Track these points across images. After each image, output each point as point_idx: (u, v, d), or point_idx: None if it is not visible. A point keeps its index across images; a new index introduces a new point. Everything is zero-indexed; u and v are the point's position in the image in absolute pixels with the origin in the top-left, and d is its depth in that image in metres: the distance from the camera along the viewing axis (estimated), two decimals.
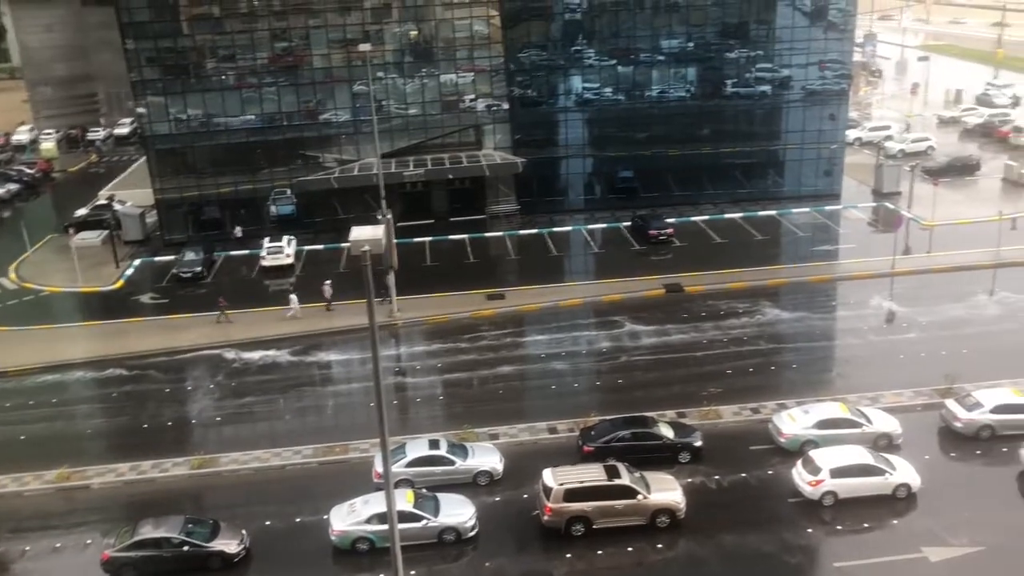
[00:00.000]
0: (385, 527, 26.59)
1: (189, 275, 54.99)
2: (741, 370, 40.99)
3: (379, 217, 44.23)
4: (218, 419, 39.41)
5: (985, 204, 60.73)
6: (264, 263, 56.43)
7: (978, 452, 33.72)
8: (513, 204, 64.87)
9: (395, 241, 47.56)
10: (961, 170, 68.98)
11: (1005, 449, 33.36)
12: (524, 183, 64.19)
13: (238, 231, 61.20)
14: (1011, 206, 58.97)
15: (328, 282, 49.62)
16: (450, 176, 62.46)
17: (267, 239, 57.98)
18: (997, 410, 34.23)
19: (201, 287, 54.26)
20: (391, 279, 47.68)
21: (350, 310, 47.55)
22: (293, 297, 49.10)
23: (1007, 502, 30.91)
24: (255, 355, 45.06)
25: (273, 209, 62.63)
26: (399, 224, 53.18)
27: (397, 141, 63.25)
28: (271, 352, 45.28)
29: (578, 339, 45.33)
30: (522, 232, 61.47)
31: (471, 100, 64.46)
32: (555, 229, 61.59)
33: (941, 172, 67.22)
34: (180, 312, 50.42)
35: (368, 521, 29.41)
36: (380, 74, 61.77)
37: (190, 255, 56.38)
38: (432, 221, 62.59)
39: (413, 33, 63.52)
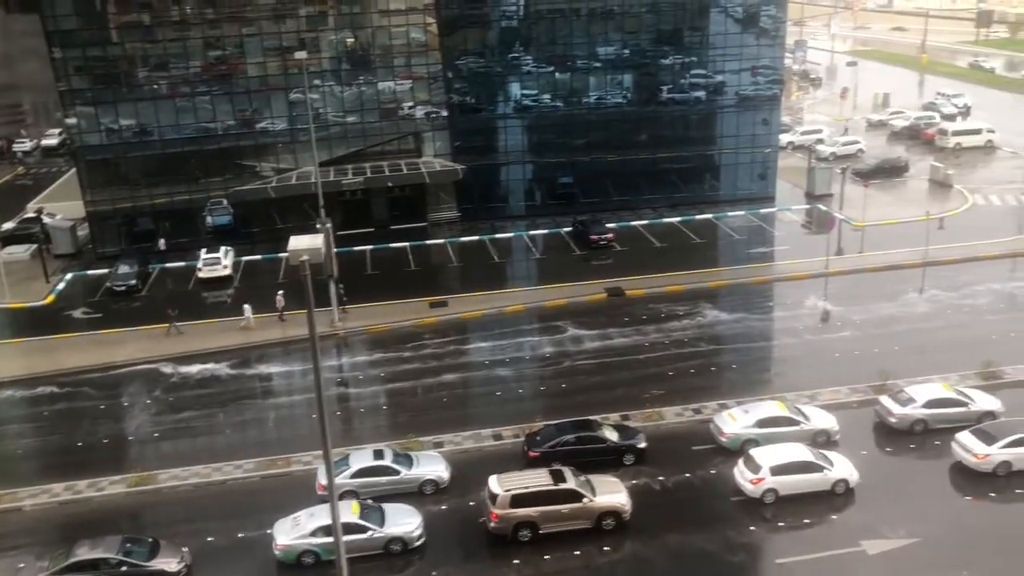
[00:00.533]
0: (330, 539, 26.30)
1: (123, 288, 53.70)
2: (683, 372, 41.53)
3: (318, 226, 43.79)
4: (156, 435, 38.53)
5: (913, 205, 62.55)
6: (201, 275, 55.41)
7: (912, 446, 34.66)
8: (454, 211, 64.80)
9: (335, 250, 47.12)
10: (890, 172, 70.99)
11: (938, 443, 34.35)
12: (465, 190, 64.18)
13: (162, 244, 59.86)
14: (938, 206, 60.90)
15: (281, 292, 48.89)
16: (390, 184, 62.13)
17: (204, 250, 56.93)
18: (929, 405, 35.24)
19: (136, 300, 53.05)
20: (333, 289, 47.21)
21: (303, 319, 46.89)
22: (247, 307, 48.31)
23: (940, 494, 31.84)
24: (193, 368, 44.18)
25: (209, 220, 61.52)
26: (339, 233, 52.67)
27: (336, 149, 62.70)
28: (210, 365, 44.44)
29: (522, 345, 45.44)
30: (464, 239, 61.44)
31: (410, 107, 64.24)
32: (497, 235, 61.70)
33: (871, 174, 69.13)
34: (115, 327, 49.19)
35: (313, 534, 29.03)
36: (317, 82, 61.20)
37: (124, 268, 55.06)
38: (372, 229, 62.15)
39: (350, 41, 63.09)
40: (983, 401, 35.83)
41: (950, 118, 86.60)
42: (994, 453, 32.01)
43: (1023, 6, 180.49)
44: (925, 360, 40.75)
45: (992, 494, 31.45)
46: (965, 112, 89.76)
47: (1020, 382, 38.93)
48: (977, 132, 79.09)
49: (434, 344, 45.84)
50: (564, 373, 42.20)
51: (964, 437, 33.09)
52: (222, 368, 44.21)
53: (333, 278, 46.24)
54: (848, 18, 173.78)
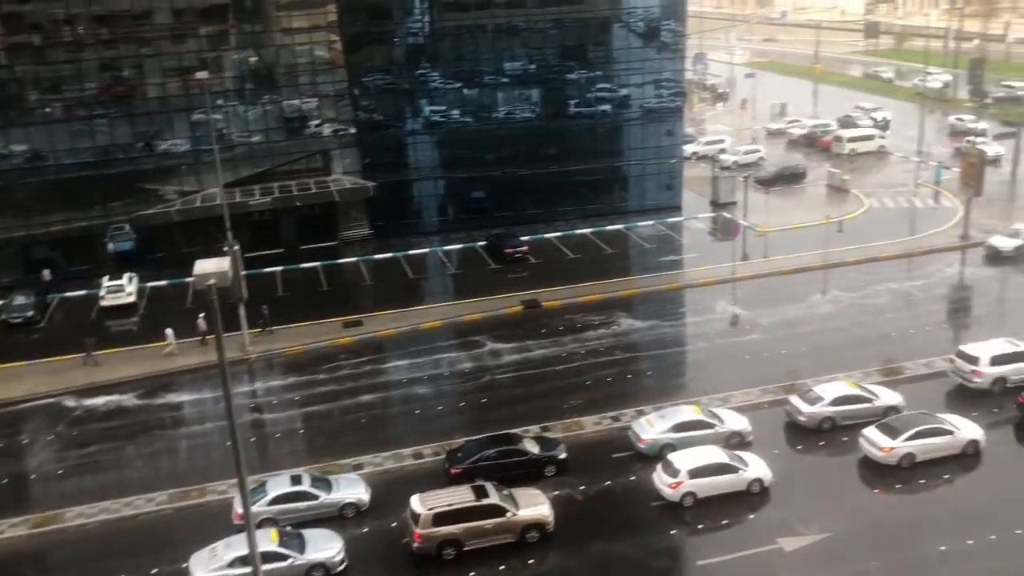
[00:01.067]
0: (249, 569, 25.57)
1: (20, 320, 51.41)
2: (600, 380, 41.98)
3: (225, 249, 42.79)
4: (60, 472, 36.89)
5: (813, 209, 64.78)
6: (104, 303, 53.46)
7: (821, 443, 35.76)
8: (366, 229, 64.24)
9: (243, 273, 46.10)
10: (789, 179, 73.43)
11: (845, 439, 35.52)
12: (376, 207, 63.71)
13: (46, 274, 57.33)
14: (836, 210, 63.22)
15: (203, 315, 47.41)
16: (298, 203, 61.23)
17: (106, 277, 54.96)
18: (836, 402, 36.45)
19: (35, 332, 50.85)
20: (243, 312, 46.13)
21: (227, 343, 45.53)
22: (169, 332, 46.77)
23: (850, 488, 32.90)
24: (99, 401, 42.53)
25: (111, 246, 59.46)
26: (247, 255, 51.59)
27: (241, 170, 61.50)
28: (115, 396, 42.85)
29: (440, 361, 45.22)
30: (377, 257, 60.92)
31: (316, 125, 63.52)
32: (410, 252, 61.37)
33: (771, 181, 71.42)
34: (12, 360, 46.95)
35: (231, 565, 28.20)
36: (220, 102, 60.01)
37: (20, 299, 52.68)
38: (282, 250, 61.06)
39: (253, 59, 62.08)
40: (886, 396, 37.23)
41: (879, 127, 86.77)
42: (898, 446, 33.27)
43: (908, 18, 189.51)
44: (830, 359, 42.16)
45: (898, 486, 32.68)
46: (884, 125, 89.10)
47: (919, 376, 40.61)
48: (870, 138, 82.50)
49: (350, 364, 45.23)
50: (484, 388, 42.16)
51: (870, 432, 34.31)
52: (130, 399, 42.69)
53: (243, 301, 45.20)
54: (746, 31, 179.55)
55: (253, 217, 60.35)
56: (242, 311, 45.98)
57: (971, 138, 73.76)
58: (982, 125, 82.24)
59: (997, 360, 38.39)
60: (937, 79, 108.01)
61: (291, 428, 39.95)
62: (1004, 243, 55.11)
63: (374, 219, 64.23)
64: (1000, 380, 38.27)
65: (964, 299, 50.48)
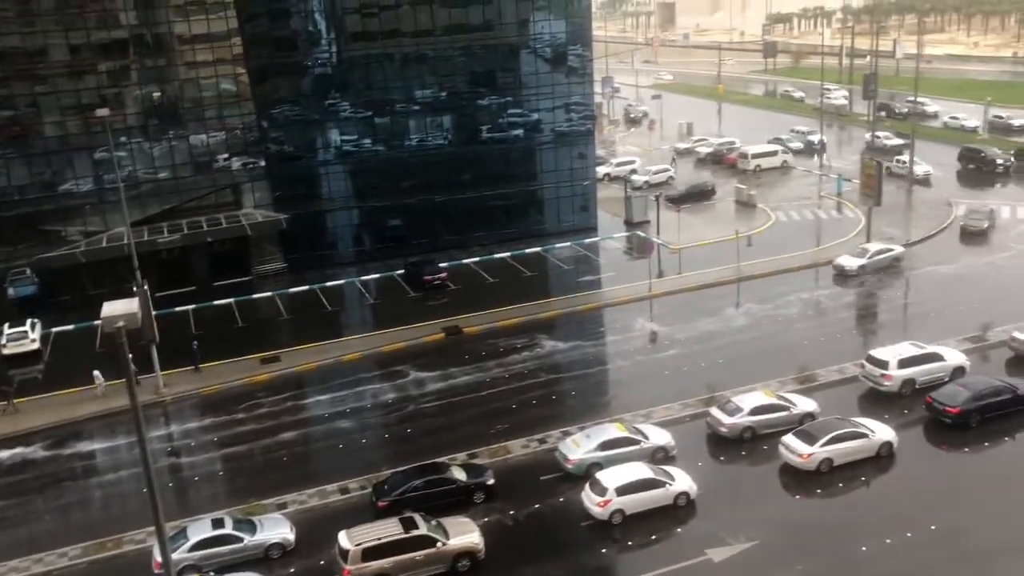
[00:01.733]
0: None
1: None
2: (525, 403, 42.02)
3: (134, 289, 41.50)
4: None
5: (723, 225, 66.48)
6: (5, 351, 51.13)
7: (743, 453, 36.47)
8: (280, 262, 63.21)
9: (154, 313, 44.76)
10: (699, 196, 75.25)
11: (765, 447, 36.31)
12: (290, 240, 62.79)
13: None
14: (745, 225, 64.97)
15: (97, 372, 45.58)
16: (209, 239, 59.89)
17: (7, 325, 52.61)
18: (754, 412, 37.25)
19: None
20: (155, 354, 44.73)
21: (150, 384, 44.02)
22: (97, 373, 44.89)
23: (773, 496, 33.61)
24: (3, 454, 40.54)
25: (11, 291, 57.08)
26: (157, 294, 50.17)
27: (148, 207, 59.92)
28: (21, 449, 40.91)
29: (362, 393, 44.60)
30: (292, 290, 59.92)
31: (225, 159, 62.38)
32: (327, 284, 60.55)
33: (682, 199, 73.08)
34: None
35: None
36: (123, 139, 58.41)
37: None
38: (194, 287, 59.53)
39: (156, 95, 60.73)
40: (802, 404, 38.24)
41: (816, 149, 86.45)
42: (816, 452, 34.16)
43: (803, 37, 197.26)
44: (747, 370, 43.14)
45: (818, 490, 33.51)
46: (821, 148, 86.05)
47: (832, 383, 41.88)
48: (773, 154, 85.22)
49: (269, 402, 44.24)
50: (408, 418, 41.73)
51: (788, 439, 35.15)
52: (37, 450, 40.82)
53: (154, 342, 43.85)
54: (651, 54, 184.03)
55: (162, 255, 58.77)
56: (154, 353, 44.62)
57: (899, 157, 76.45)
58: (896, 140, 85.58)
59: (904, 363, 39.87)
60: (837, 96, 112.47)
61: (211, 470, 38.78)
62: (850, 262, 55.76)
63: (288, 252, 63.27)
64: (908, 382, 39.73)
65: (870, 306, 52.35)
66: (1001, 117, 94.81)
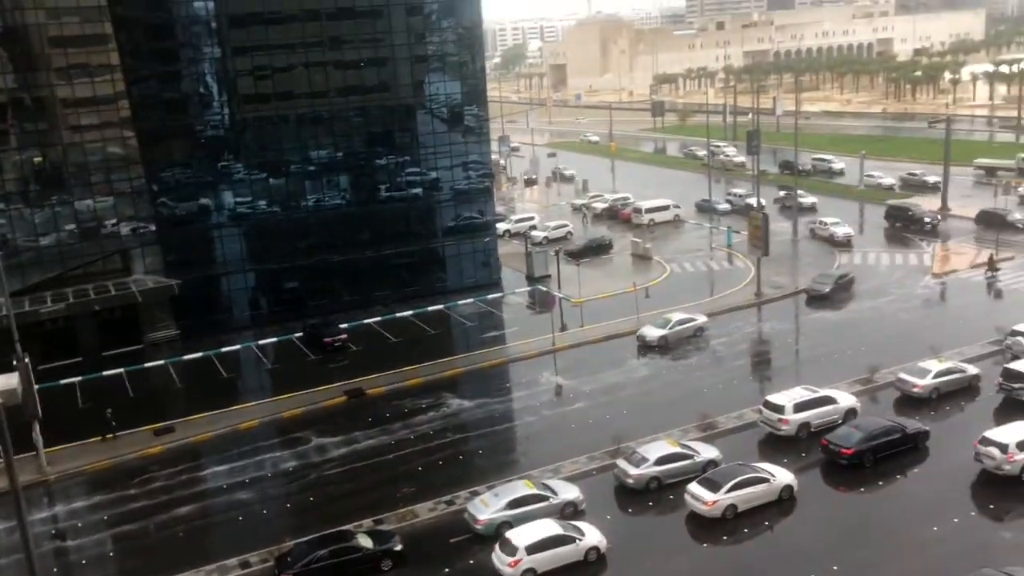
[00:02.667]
0: None
1: None
2: (432, 465, 41.37)
3: (14, 363, 39.29)
4: None
5: (621, 278, 67.82)
6: None
7: (651, 503, 36.68)
8: (172, 329, 61.10)
9: (36, 387, 42.39)
10: (597, 250, 76.72)
11: (672, 496, 36.63)
12: (183, 305, 60.82)
13: None
14: (642, 277, 66.47)
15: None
16: (96, 307, 57.46)
17: None
18: (659, 462, 37.62)
19: None
20: (37, 431, 42.27)
21: (22, 465, 41.26)
22: None
23: (681, 546, 33.81)
24: None
25: None
26: (40, 367, 47.66)
27: (30, 276, 57.22)
28: None
29: (262, 462, 43.09)
30: (187, 357, 57.86)
31: (113, 224, 60.32)
32: (223, 349, 58.74)
33: (581, 253, 74.35)
34: None
35: None
36: (1, 205, 55.84)
37: None
38: (80, 359, 56.81)
39: (37, 159, 58.46)
40: (705, 451, 38.85)
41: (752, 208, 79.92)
42: (721, 499, 34.65)
43: (688, 96, 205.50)
44: (651, 419, 43.68)
45: (724, 537, 33.92)
46: (760, 208, 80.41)
47: (733, 429, 42.75)
48: (666, 208, 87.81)
49: (163, 475, 42.27)
50: (311, 485, 40.48)
51: (693, 487, 35.57)
52: None
53: (38, 419, 41.48)
54: (544, 114, 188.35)
55: (46, 325, 55.98)
56: (37, 429, 42.19)
57: (822, 220, 77.47)
58: (810, 199, 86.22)
59: (799, 407, 41.08)
60: (727, 152, 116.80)
61: (100, 552, 36.60)
62: (651, 332, 54.40)
63: (181, 318, 61.26)
64: (804, 425, 40.91)
65: (764, 352, 53.95)
66: (915, 174, 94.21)
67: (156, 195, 60.97)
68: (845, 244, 73.09)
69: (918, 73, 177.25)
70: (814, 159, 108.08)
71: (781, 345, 54.60)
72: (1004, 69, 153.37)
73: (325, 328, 58.33)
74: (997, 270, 63.06)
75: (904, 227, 76.49)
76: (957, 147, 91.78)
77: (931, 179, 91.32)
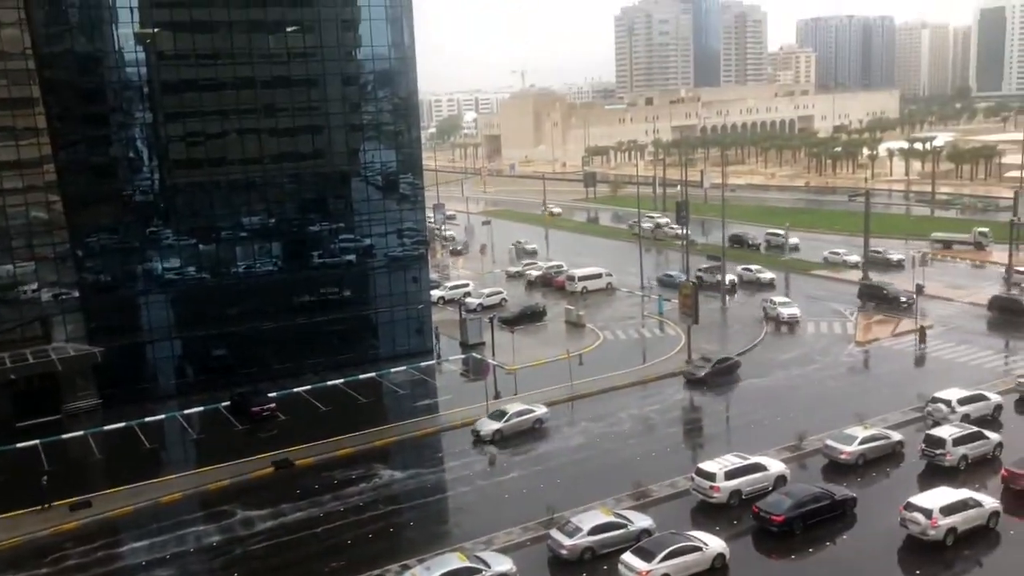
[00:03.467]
0: None
1: None
2: (361, 538, 40.32)
3: None
4: None
5: (554, 345, 68.08)
6: None
7: (584, 574, 36.23)
8: (94, 398, 58.98)
9: None
10: (531, 317, 77.03)
11: (606, 567, 36.28)
12: (106, 373, 58.86)
13: None
14: (575, 344, 66.81)
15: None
16: (12, 376, 55.23)
17: None
18: (593, 531, 37.31)
19: None
20: None
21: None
22: None
23: None
24: None
25: None
26: None
27: None
28: None
29: (184, 538, 41.41)
30: (108, 428, 55.76)
31: (34, 291, 58.44)
32: (147, 419, 56.81)
33: (515, 321, 74.53)
34: None
35: None
36: None
37: None
38: None
39: None
40: (639, 520, 38.71)
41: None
42: (654, 568, 34.42)
43: (619, 168, 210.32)
44: (585, 489, 43.43)
45: None
46: (732, 288, 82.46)
47: (666, 497, 42.77)
48: (598, 276, 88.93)
49: (78, 553, 40.27)
50: (236, 561, 39.00)
51: (627, 557, 35.31)
52: None
53: None
54: (479, 183, 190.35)
55: None
56: None
57: (771, 299, 78.06)
58: (768, 275, 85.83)
59: (731, 474, 41.38)
60: (660, 222, 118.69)
61: None
62: (486, 426, 51.33)
63: (104, 387, 59.22)
64: (736, 493, 41.15)
65: (696, 420, 54.42)
66: (879, 251, 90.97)
67: (81, 260, 59.43)
68: (791, 324, 71.13)
69: (838, 149, 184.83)
70: (768, 233, 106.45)
71: (711, 412, 55.17)
72: (918, 146, 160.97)
73: (253, 397, 56.99)
74: (925, 341, 64.57)
75: (878, 306, 74.86)
76: (877, 219, 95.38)
77: (895, 256, 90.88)
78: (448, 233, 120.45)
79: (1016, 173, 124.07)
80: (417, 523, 42.06)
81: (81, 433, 55.15)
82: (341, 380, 62.85)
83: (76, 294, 59.47)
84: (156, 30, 60.20)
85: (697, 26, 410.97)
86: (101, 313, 60.13)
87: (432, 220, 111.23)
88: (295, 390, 60.98)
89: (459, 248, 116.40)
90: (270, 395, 57.80)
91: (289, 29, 63.32)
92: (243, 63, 61.60)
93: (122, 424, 56.09)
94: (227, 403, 58.33)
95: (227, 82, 61.55)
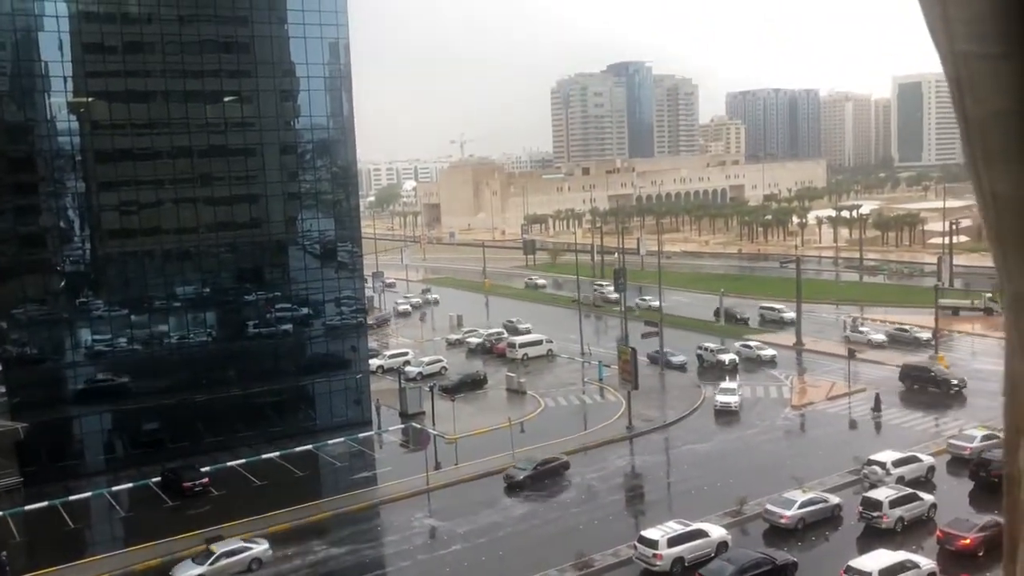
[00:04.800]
0: None
1: None
2: None
3: None
4: None
5: (496, 413, 67.56)
6: None
7: None
8: (15, 476, 56.41)
9: None
10: (472, 385, 76.54)
11: None
12: (28, 450, 56.47)
13: None
14: (517, 412, 66.48)
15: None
16: None
17: None
18: None
19: None
20: None
21: None
22: None
23: None
24: None
25: None
26: None
27: None
28: None
29: None
30: (29, 507, 53.28)
31: None
32: (71, 497, 54.50)
33: (455, 389, 73.94)
34: None
35: None
36: None
37: None
38: None
39: None
40: None
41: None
42: None
43: (558, 236, 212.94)
44: (528, 560, 42.76)
45: None
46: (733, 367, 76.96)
47: (609, 566, 42.29)
48: (539, 343, 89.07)
49: None
50: None
51: None
52: None
53: None
54: (418, 250, 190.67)
55: None
56: None
57: (708, 345, 77.74)
58: (770, 352, 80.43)
59: (673, 541, 41.20)
60: (604, 290, 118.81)
61: None
62: (185, 572, 42.24)
63: (25, 464, 56.73)
64: (679, 560, 40.94)
65: (637, 487, 54.28)
66: (905, 330, 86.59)
67: (4, 332, 57.50)
68: (732, 413, 66.01)
69: (768, 217, 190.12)
70: (762, 308, 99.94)
71: (653, 478, 55.14)
72: (845, 214, 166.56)
73: (185, 472, 55.18)
74: (879, 410, 64.14)
75: (922, 389, 68.68)
76: (808, 285, 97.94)
77: (923, 335, 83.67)
78: (403, 308, 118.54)
79: (938, 240, 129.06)
80: None
81: (0, 514, 52.57)
82: (277, 453, 61.32)
83: None
84: (90, 99, 59.68)
85: (631, 98, 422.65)
86: (25, 386, 58.02)
87: (371, 288, 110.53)
88: (229, 464, 59.28)
89: (383, 317, 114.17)
90: (203, 469, 56.01)
91: (227, 99, 63.31)
92: (180, 132, 61.24)
93: (45, 503, 53.71)
94: (158, 479, 56.35)
95: (163, 151, 61.06)
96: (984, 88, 1.38)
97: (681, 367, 78.61)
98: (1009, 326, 1.48)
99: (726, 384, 70.61)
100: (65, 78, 58.35)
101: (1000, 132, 1.38)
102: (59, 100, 58.93)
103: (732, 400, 67.25)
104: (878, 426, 62.51)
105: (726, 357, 79.04)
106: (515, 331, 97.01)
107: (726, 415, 66.11)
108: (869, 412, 64.71)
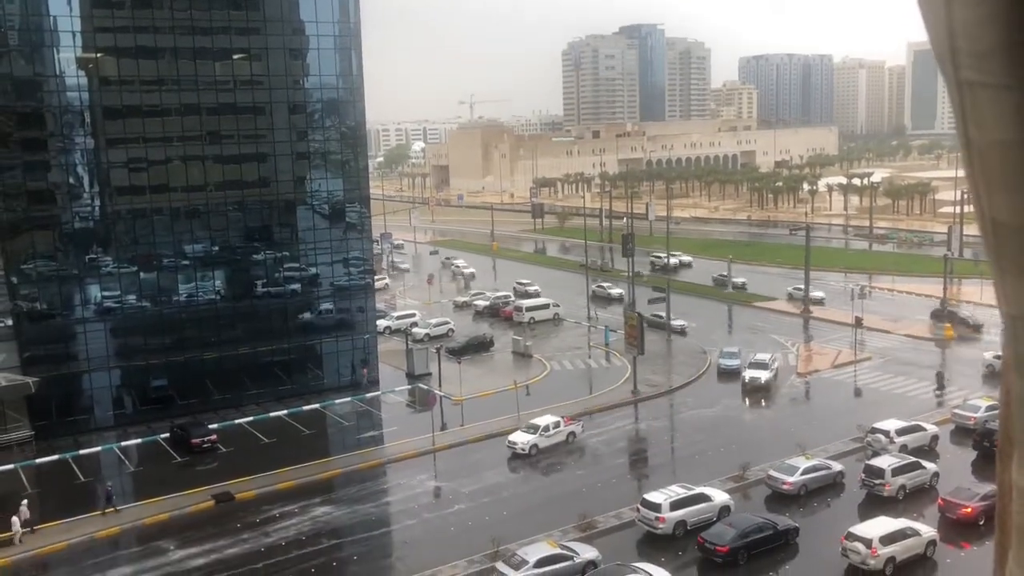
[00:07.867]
0: None
1: None
2: (303, 573, 39.52)
3: None
4: None
5: (502, 375, 67.95)
6: None
7: None
8: (26, 430, 57.10)
9: None
10: (478, 348, 76.84)
11: None
12: (39, 404, 57.08)
13: None
14: (523, 375, 66.80)
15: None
16: None
17: None
18: (539, 564, 37.12)
19: None
20: None
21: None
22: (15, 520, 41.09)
23: None
24: None
25: None
26: None
27: None
28: None
29: (119, 575, 40.16)
30: (40, 460, 54.01)
31: None
32: (82, 452, 55.21)
33: (462, 351, 74.21)
34: None
35: None
36: None
37: None
38: None
39: None
40: (585, 552, 38.63)
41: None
42: None
43: (566, 200, 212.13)
44: (531, 520, 43.21)
45: None
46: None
47: (612, 528, 42.77)
48: (546, 307, 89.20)
49: None
50: None
51: None
52: None
53: None
54: (427, 213, 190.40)
55: None
56: None
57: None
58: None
59: (675, 505, 41.59)
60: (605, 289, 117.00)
61: None
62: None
63: (37, 418, 57.37)
64: (681, 524, 41.34)
65: (641, 451, 54.67)
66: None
67: (15, 287, 57.81)
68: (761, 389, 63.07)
69: (779, 184, 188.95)
70: (793, 289, 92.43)
71: (657, 443, 55.51)
72: (856, 182, 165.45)
73: (193, 428, 55.75)
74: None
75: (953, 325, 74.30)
76: (817, 253, 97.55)
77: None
78: (404, 266, 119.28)
79: (949, 209, 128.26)
80: (360, 557, 41.41)
81: (11, 466, 53.25)
82: (284, 411, 61.86)
83: (9, 322, 57.76)
84: (99, 55, 59.37)
85: (643, 62, 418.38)
86: (36, 342, 58.48)
87: (379, 249, 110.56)
88: (237, 421, 59.86)
89: (383, 280, 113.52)
90: (211, 426, 56.61)
91: (236, 56, 62.91)
92: (188, 89, 60.96)
93: (56, 457, 54.39)
94: (166, 435, 56.96)
95: (171, 108, 60.82)
96: (987, 116, 1.41)
97: (682, 331, 79.00)
98: (1006, 344, 1.55)
99: (757, 357, 66.02)
100: (74, 33, 58.02)
101: (1001, 161, 1.42)
102: (68, 55, 58.64)
103: (763, 375, 62.92)
104: (940, 405, 58.68)
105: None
106: (525, 294, 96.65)
107: (728, 376, 66.10)
108: (932, 393, 61.23)
